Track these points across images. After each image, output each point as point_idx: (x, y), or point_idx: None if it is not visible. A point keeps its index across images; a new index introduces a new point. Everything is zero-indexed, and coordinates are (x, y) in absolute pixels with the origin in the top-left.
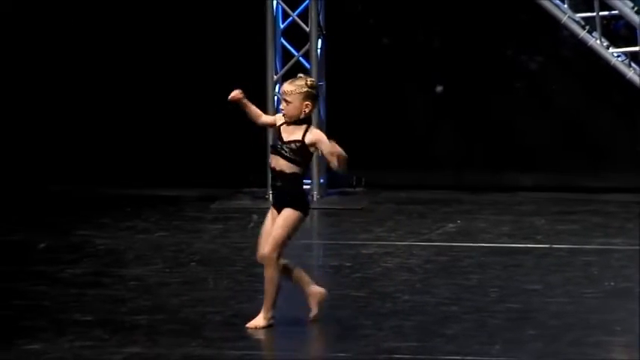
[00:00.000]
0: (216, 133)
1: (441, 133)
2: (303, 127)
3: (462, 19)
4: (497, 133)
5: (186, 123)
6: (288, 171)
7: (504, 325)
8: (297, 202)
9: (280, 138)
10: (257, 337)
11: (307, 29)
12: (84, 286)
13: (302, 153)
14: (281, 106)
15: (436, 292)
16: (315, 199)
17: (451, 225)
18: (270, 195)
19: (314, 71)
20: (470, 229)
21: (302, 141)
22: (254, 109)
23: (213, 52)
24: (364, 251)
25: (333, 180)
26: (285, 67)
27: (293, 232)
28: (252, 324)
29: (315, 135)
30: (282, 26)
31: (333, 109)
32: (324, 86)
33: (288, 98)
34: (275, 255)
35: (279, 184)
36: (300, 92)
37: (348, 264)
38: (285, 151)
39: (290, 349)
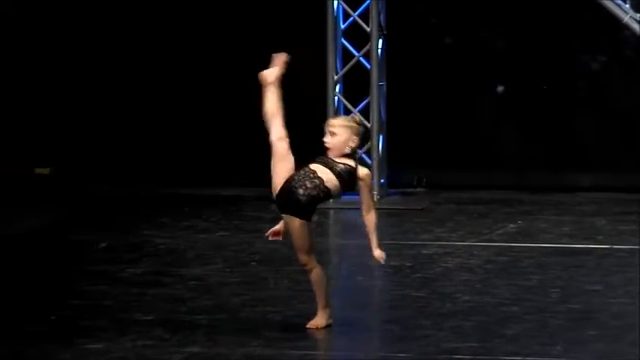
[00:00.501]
0: None
1: (502, 133)
2: (352, 159)
3: (524, 19)
4: (558, 133)
5: (246, 122)
6: (330, 186)
7: (565, 325)
8: (305, 213)
9: (328, 157)
10: (317, 336)
11: (368, 29)
12: (144, 285)
13: (350, 177)
14: (325, 138)
15: (496, 293)
16: (375, 199)
17: (512, 225)
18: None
19: (374, 71)
20: (530, 229)
21: (355, 168)
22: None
23: (273, 52)
24: (424, 251)
25: (394, 180)
26: (346, 68)
27: (310, 237)
28: (312, 324)
29: (365, 173)
30: (342, 26)
31: (394, 110)
32: (384, 86)
33: (335, 130)
34: (311, 257)
35: (309, 191)
36: (349, 126)
37: (408, 264)
38: (339, 168)
39: (350, 349)
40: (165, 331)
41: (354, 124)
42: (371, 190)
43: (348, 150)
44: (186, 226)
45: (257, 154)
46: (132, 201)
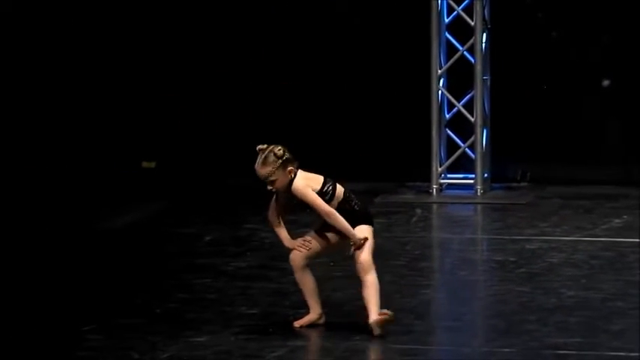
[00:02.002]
0: (380, 127)
1: (608, 128)
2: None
3: (630, 12)
4: None
5: (352, 117)
6: (334, 207)
7: None
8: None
9: (294, 202)
10: (420, 330)
11: (472, 23)
12: (249, 279)
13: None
14: (268, 187)
15: (601, 288)
16: (479, 193)
17: (617, 220)
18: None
19: (478, 65)
20: (636, 224)
21: (302, 200)
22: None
23: (379, 47)
24: (529, 246)
25: (498, 174)
26: (450, 61)
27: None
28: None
29: (297, 192)
30: (446, 20)
31: (498, 103)
32: (488, 80)
33: (272, 179)
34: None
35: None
36: (278, 167)
37: (512, 259)
38: (309, 209)
39: (454, 343)
40: (270, 325)
41: (280, 161)
42: (307, 198)
43: (291, 177)
44: (291, 220)
45: (363, 148)
46: (240, 194)
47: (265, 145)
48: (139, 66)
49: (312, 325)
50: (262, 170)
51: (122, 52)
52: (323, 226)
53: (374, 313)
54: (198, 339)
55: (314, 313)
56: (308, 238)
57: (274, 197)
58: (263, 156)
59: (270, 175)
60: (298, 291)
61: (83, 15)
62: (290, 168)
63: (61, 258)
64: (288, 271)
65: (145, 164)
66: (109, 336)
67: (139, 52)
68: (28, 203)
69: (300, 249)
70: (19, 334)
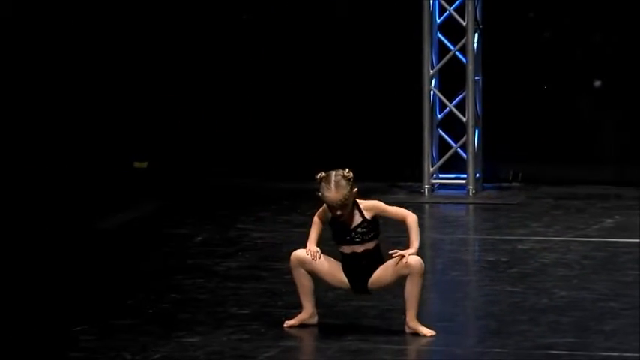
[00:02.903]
0: (372, 127)
1: (600, 128)
2: (354, 207)
3: (622, 12)
4: None
5: (344, 118)
6: (371, 247)
7: None
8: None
9: (345, 229)
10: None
11: (464, 23)
12: (240, 279)
13: (374, 227)
14: (338, 213)
15: (593, 288)
16: (470, 193)
17: (609, 220)
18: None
19: (470, 65)
20: (628, 224)
21: (367, 219)
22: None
23: (370, 48)
24: (520, 246)
25: (490, 175)
26: (442, 62)
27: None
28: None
29: (372, 207)
30: (438, 21)
31: (490, 104)
32: (480, 81)
33: (347, 202)
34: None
35: (364, 262)
36: (352, 191)
37: (504, 259)
38: (359, 238)
39: (446, 344)
40: (261, 325)
41: (350, 184)
42: (384, 206)
43: (354, 198)
44: (284, 221)
45: (355, 148)
46: (232, 194)
47: (324, 173)
48: (133, 66)
49: (304, 325)
50: (338, 195)
51: (116, 52)
52: (342, 266)
53: (414, 317)
54: (191, 339)
55: (305, 312)
56: (323, 255)
57: (326, 208)
58: (333, 181)
59: (347, 199)
60: (291, 291)
61: (79, 19)
62: (355, 189)
63: (53, 258)
64: (280, 272)
65: (136, 164)
66: (102, 336)
67: (134, 53)
68: (20, 203)
69: (307, 252)
70: (12, 334)
